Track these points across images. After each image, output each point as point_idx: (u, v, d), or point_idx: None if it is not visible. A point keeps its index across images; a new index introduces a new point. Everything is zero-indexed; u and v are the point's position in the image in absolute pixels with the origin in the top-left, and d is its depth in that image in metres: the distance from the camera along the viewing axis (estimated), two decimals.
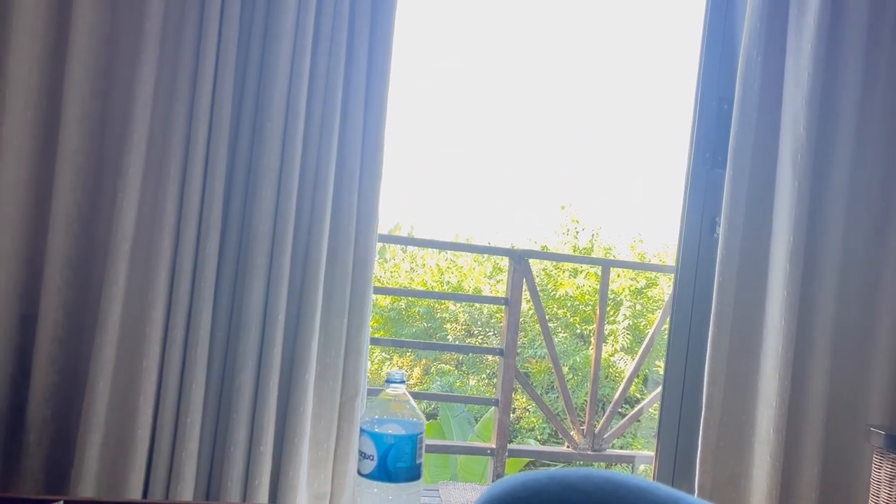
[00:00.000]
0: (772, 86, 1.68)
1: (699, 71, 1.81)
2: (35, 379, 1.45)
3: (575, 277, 8.56)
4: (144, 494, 1.47)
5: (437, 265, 9.29)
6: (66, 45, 1.45)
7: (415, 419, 1.26)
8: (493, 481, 3.48)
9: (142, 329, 1.46)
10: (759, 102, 1.68)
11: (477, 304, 8.80)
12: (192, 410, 1.46)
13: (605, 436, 3.60)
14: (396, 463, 1.23)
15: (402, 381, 1.30)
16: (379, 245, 1.64)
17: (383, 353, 8.33)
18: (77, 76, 1.45)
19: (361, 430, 1.26)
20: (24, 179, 1.45)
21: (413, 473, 1.25)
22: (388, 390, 1.29)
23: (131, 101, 1.46)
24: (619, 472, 0.49)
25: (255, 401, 1.51)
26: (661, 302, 8.19)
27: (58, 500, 1.22)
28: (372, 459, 1.23)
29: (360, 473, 1.26)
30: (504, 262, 7.19)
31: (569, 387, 3.80)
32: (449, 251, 9.24)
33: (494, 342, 8.32)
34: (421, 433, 1.26)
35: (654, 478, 1.86)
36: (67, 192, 1.46)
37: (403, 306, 8.70)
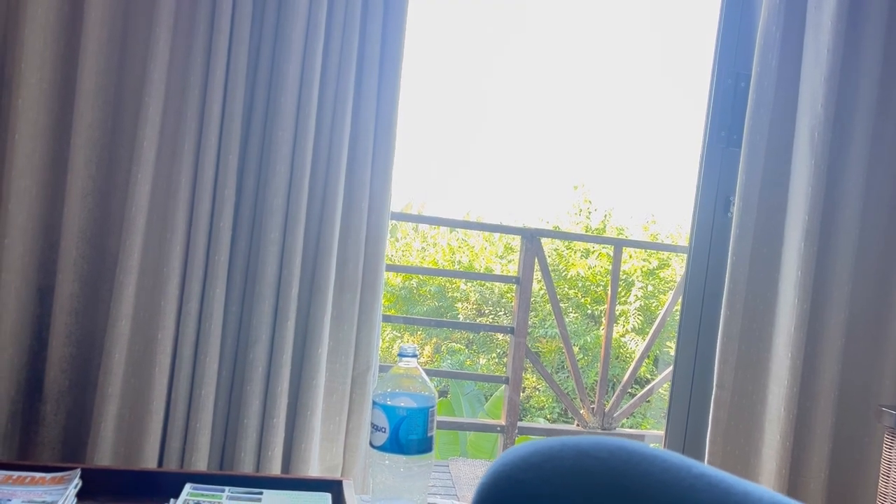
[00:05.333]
0: (790, 62, 1.66)
1: (716, 48, 1.79)
2: (52, 350, 1.47)
3: (587, 258, 8.55)
4: (159, 464, 1.49)
5: (449, 244, 9.30)
6: (80, 18, 1.45)
7: (427, 392, 1.27)
8: None
9: (157, 302, 1.48)
10: (777, 79, 1.66)
11: (488, 284, 8.81)
12: (206, 382, 1.48)
13: (614, 415, 3.62)
14: (408, 435, 1.24)
15: (415, 355, 1.31)
16: (391, 224, 1.64)
17: (395, 332, 8.37)
18: (92, 49, 1.45)
19: (374, 403, 1.27)
20: (39, 153, 1.46)
21: (425, 446, 1.26)
22: (400, 364, 1.30)
23: (146, 74, 1.46)
24: (633, 441, 0.49)
25: (268, 374, 1.52)
26: (672, 283, 8.17)
27: (74, 469, 1.24)
28: (384, 431, 1.24)
29: (372, 445, 1.27)
30: (515, 242, 7.18)
31: (579, 366, 3.81)
32: (460, 231, 9.24)
33: (505, 321, 8.33)
34: (433, 406, 1.27)
35: None
36: (82, 166, 1.47)
37: (415, 285, 8.72)
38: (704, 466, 0.47)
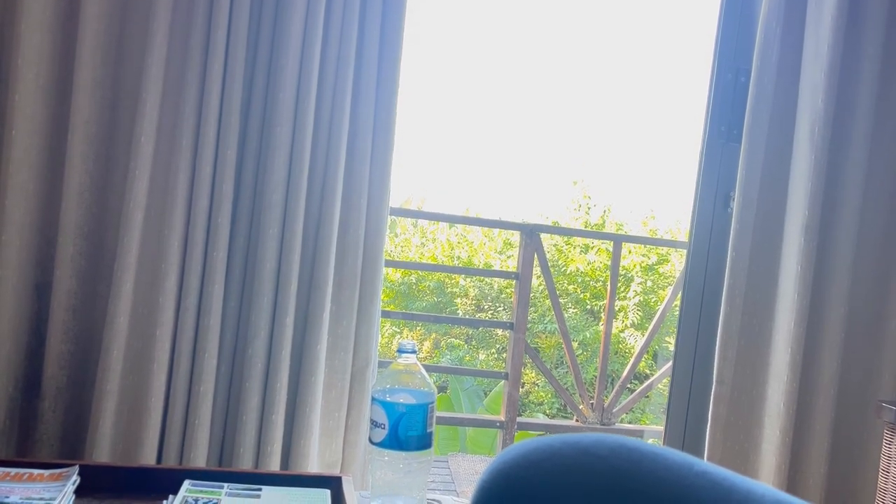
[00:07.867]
0: (790, 58, 1.65)
1: (716, 42, 1.79)
2: (50, 347, 1.46)
3: (586, 253, 8.54)
4: (158, 460, 1.48)
5: (448, 240, 9.29)
6: (77, 13, 1.45)
7: (426, 388, 1.27)
8: None
9: (155, 298, 1.47)
10: (777, 74, 1.65)
11: (487, 279, 8.81)
12: (204, 379, 1.48)
13: (613, 410, 3.62)
14: (408, 431, 1.23)
15: (414, 351, 1.30)
16: (389, 219, 1.64)
17: (394, 327, 8.37)
18: (89, 44, 1.44)
19: (373, 399, 1.27)
20: (36, 148, 1.45)
21: (424, 442, 1.25)
22: (399, 360, 1.30)
23: (143, 69, 1.45)
24: (633, 438, 0.49)
25: (267, 370, 1.52)
26: (671, 278, 8.17)
27: (73, 466, 1.24)
28: (383, 428, 1.24)
29: (371, 442, 1.27)
30: (515, 238, 7.18)
31: (578, 362, 3.81)
32: (460, 226, 9.22)
33: (504, 317, 8.33)
34: (432, 402, 1.27)
35: None
36: (80, 162, 1.46)
37: (414, 281, 8.72)
38: (707, 464, 0.47)
